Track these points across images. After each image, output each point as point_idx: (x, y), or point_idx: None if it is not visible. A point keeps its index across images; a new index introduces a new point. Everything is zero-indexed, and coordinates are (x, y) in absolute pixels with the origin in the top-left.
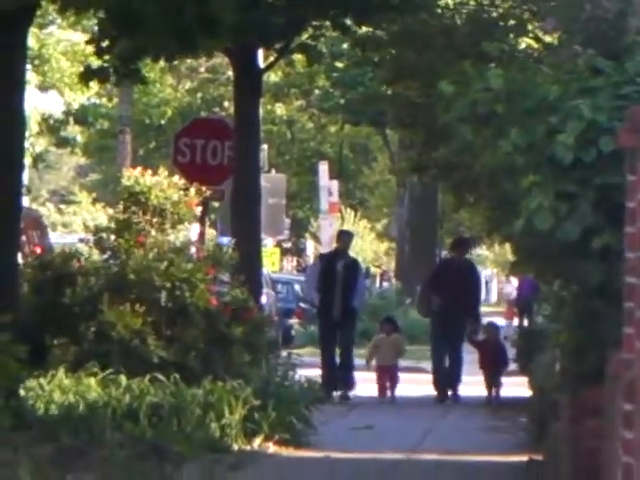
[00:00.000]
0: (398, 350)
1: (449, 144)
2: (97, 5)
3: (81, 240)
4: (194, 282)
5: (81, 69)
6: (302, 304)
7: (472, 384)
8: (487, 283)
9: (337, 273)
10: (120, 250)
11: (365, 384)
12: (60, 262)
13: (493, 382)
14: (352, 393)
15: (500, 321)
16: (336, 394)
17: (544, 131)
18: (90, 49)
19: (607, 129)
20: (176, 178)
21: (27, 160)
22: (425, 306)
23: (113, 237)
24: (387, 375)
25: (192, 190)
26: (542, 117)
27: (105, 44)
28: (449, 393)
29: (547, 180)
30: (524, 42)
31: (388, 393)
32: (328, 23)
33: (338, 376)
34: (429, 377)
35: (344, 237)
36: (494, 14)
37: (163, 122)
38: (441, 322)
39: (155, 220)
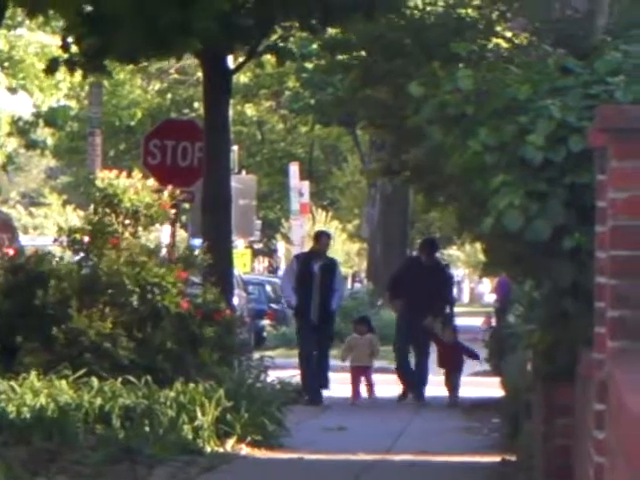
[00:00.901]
0: (373, 351)
1: (420, 146)
2: (66, 8)
3: (55, 241)
4: (165, 286)
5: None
6: (274, 305)
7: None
8: (459, 283)
9: (314, 275)
10: (93, 252)
11: (338, 385)
12: (32, 264)
13: (452, 382)
14: (325, 394)
15: (477, 322)
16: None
17: (514, 131)
18: (60, 51)
19: (577, 129)
20: (151, 181)
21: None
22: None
23: (87, 239)
24: (361, 376)
25: (165, 192)
26: (512, 117)
27: (71, 40)
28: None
29: (517, 179)
30: (493, 42)
31: (362, 395)
32: (297, 24)
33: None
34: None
35: (323, 238)
36: (463, 15)
37: (133, 123)
38: (406, 323)
39: (128, 222)
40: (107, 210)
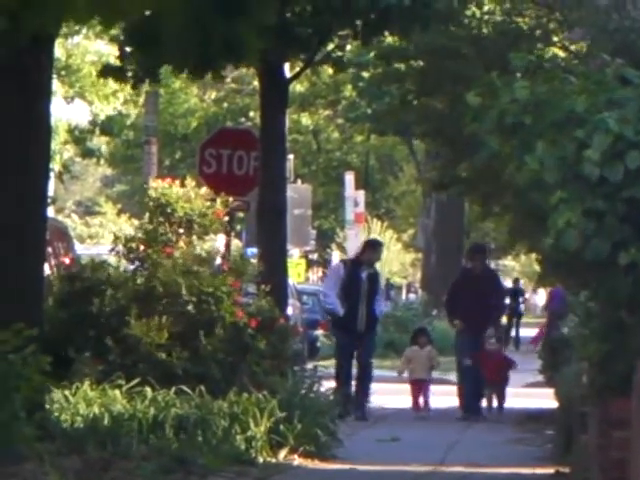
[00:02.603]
0: (432, 364)
1: (476, 155)
2: (118, 17)
3: (111, 250)
4: (220, 295)
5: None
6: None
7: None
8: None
9: (362, 283)
10: (148, 261)
11: (392, 396)
12: (88, 273)
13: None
14: (373, 405)
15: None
16: (352, 414)
17: (572, 147)
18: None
19: (634, 143)
20: (204, 189)
21: (56, 168)
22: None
23: (142, 248)
24: (421, 389)
25: (218, 201)
26: (569, 129)
27: (129, 49)
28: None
29: (574, 196)
30: (551, 52)
31: (421, 406)
32: (352, 33)
33: (357, 388)
34: (455, 389)
35: (377, 247)
36: (521, 24)
37: (189, 132)
38: (467, 340)
39: (182, 231)
40: (161, 219)
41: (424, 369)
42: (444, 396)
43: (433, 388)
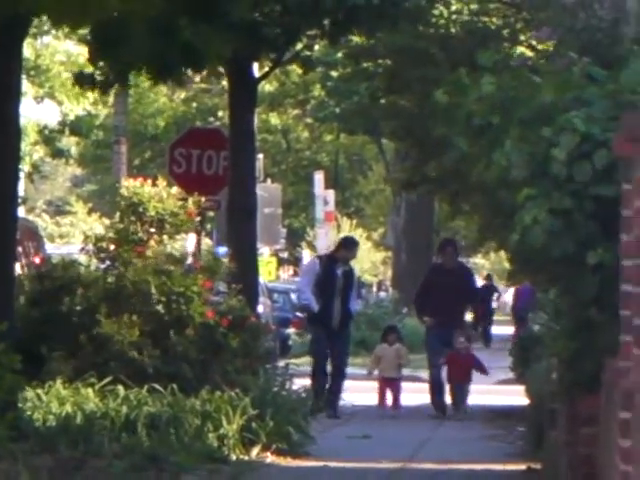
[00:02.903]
0: (401, 362)
1: (444, 155)
2: (84, 19)
3: (82, 250)
4: (190, 295)
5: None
6: (299, 313)
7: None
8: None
9: (338, 280)
10: (119, 260)
11: (363, 393)
12: (59, 272)
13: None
14: (345, 402)
15: (503, 331)
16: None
17: (541, 145)
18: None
19: (601, 142)
20: (175, 189)
21: (25, 168)
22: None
23: (113, 247)
24: (389, 387)
25: (190, 200)
26: (537, 127)
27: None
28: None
29: (542, 193)
30: (518, 51)
31: (388, 404)
32: (321, 33)
33: (330, 385)
34: (425, 386)
35: (353, 246)
36: (488, 24)
37: (158, 132)
38: (436, 337)
39: (153, 231)
40: (132, 218)
41: (393, 367)
42: (415, 394)
43: (404, 386)
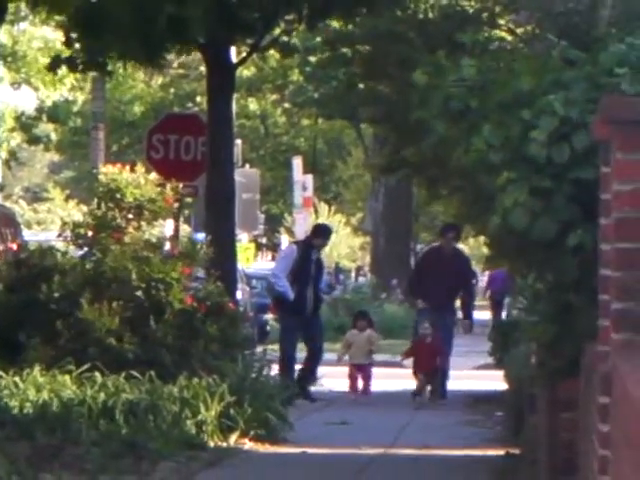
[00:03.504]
0: (372, 348)
1: (423, 140)
2: (64, 5)
3: (59, 236)
4: (169, 281)
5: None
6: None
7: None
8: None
9: (312, 267)
10: (97, 246)
11: (338, 379)
12: (36, 259)
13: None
14: (322, 388)
15: (486, 315)
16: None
17: (518, 128)
18: (62, 47)
19: (580, 124)
20: (153, 175)
21: (2, 155)
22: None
23: (90, 233)
24: (360, 374)
25: (168, 187)
26: (516, 111)
27: (75, 35)
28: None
29: (522, 176)
30: (497, 35)
31: (359, 390)
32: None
33: (304, 369)
34: (404, 372)
35: (328, 234)
36: (467, 7)
37: (136, 118)
38: (427, 317)
39: (131, 217)
40: (110, 205)
41: (363, 353)
42: (395, 379)
43: (385, 371)
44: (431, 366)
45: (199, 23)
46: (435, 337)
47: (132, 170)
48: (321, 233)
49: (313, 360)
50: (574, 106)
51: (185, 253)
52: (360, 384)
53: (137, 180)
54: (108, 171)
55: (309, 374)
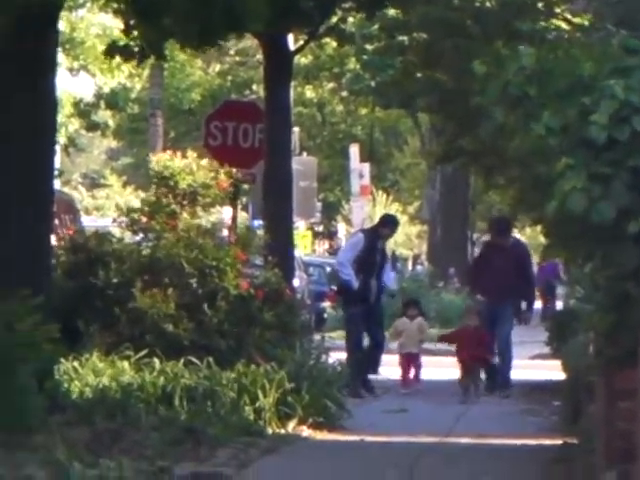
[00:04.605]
0: (422, 337)
1: (481, 128)
2: None
3: (114, 221)
4: (223, 268)
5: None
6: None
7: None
8: None
9: (377, 256)
10: (152, 232)
11: (389, 367)
12: (93, 244)
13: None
14: (380, 376)
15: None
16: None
17: (577, 112)
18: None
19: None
20: (205, 161)
21: (61, 141)
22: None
23: (145, 219)
24: (410, 363)
25: (222, 172)
26: (575, 98)
27: (132, 22)
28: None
29: (580, 162)
30: (554, 24)
31: (410, 380)
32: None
33: (370, 358)
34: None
35: (395, 225)
36: None
37: (193, 105)
38: (489, 310)
39: (185, 203)
40: (164, 191)
41: (413, 342)
42: (451, 368)
43: (442, 360)
44: (476, 355)
45: (258, 11)
46: (481, 328)
47: (184, 157)
48: (389, 223)
49: (376, 350)
50: (634, 92)
51: (240, 239)
52: (412, 373)
53: (189, 166)
54: (160, 158)
55: (373, 364)
